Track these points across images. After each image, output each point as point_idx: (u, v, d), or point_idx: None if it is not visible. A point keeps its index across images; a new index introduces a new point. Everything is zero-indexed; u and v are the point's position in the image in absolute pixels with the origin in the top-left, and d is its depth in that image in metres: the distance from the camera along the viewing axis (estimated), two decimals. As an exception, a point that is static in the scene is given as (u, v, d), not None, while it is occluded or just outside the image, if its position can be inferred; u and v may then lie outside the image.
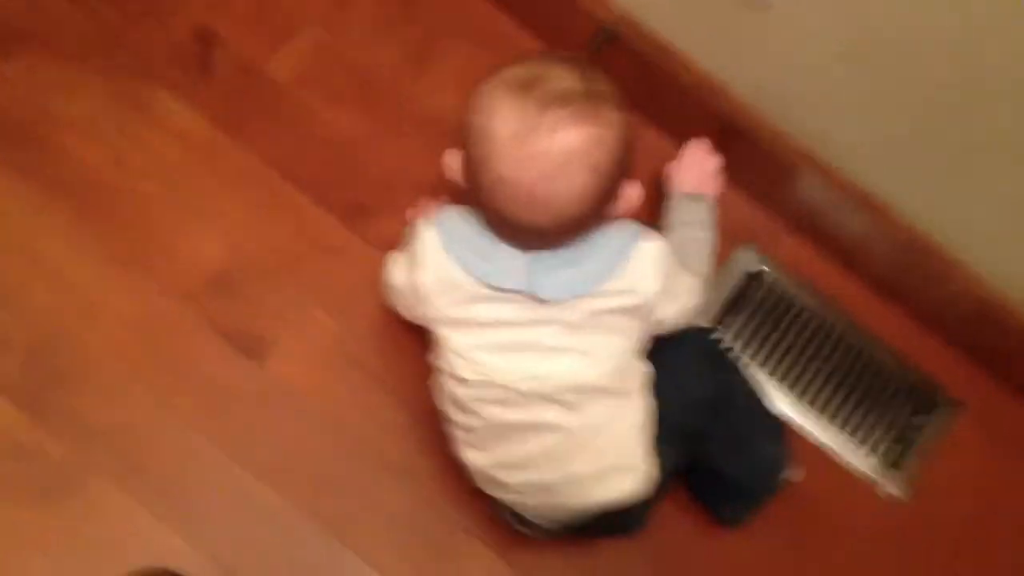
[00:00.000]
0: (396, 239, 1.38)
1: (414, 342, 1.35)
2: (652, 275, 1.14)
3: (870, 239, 1.47)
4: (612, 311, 1.14)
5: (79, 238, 1.41)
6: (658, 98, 1.47)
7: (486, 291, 1.13)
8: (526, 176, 1.03)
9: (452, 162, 1.12)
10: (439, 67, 1.54)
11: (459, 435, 1.24)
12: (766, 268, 1.54)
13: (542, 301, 1.12)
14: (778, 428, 1.38)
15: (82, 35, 1.48)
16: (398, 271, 1.24)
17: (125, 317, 1.39)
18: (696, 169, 1.43)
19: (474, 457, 1.23)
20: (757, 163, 1.47)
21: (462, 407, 1.20)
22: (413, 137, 1.50)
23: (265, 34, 1.52)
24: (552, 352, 1.15)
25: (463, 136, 1.08)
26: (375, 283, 1.38)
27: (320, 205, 1.46)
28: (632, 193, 1.11)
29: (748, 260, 1.54)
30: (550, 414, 1.16)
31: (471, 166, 1.08)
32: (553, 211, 1.05)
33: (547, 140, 1.02)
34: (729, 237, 1.49)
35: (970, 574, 1.45)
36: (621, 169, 1.07)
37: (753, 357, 1.51)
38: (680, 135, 1.49)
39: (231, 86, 1.49)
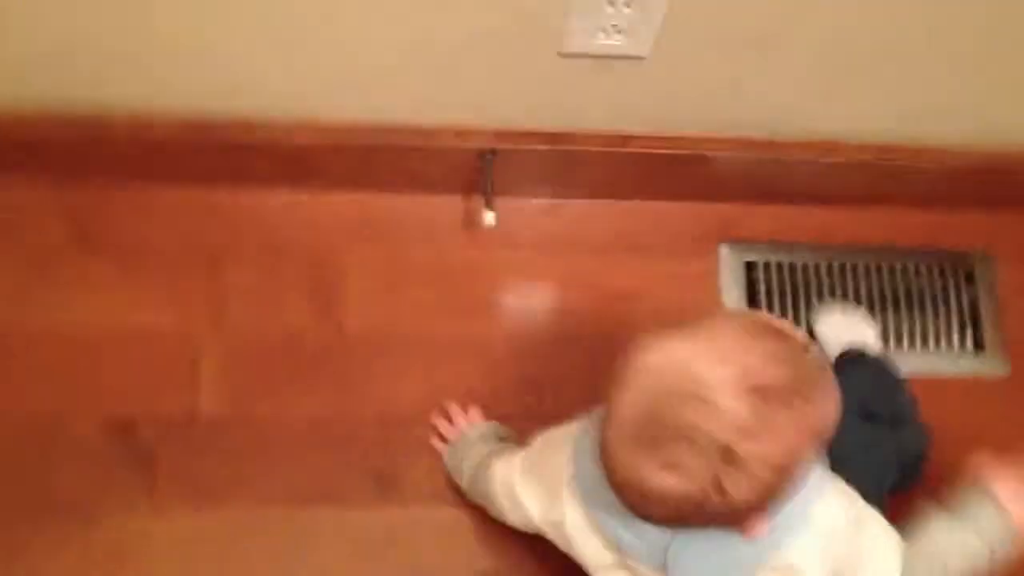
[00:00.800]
0: (437, 486, 1.32)
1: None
2: (818, 560, 0.97)
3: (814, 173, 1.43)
4: None
5: None
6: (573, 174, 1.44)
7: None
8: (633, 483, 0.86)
9: None
10: (342, 289, 1.42)
11: None
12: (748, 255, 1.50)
13: None
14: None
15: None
16: (531, 499, 1.11)
17: None
18: None
19: None
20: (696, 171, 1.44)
21: None
22: (369, 379, 1.39)
23: (173, 389, 1.36)
24: None
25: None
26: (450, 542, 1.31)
27: (348, 511, 1.33)
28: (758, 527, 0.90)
29: (732, 256, 1.49)
30: None
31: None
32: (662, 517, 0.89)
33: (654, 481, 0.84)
34: (704, 245, 1.47)
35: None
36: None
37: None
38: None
39: (175, 464, 1.33)
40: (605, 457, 0.87)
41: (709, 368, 0.80)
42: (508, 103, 1.31)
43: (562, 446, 1.05)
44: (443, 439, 1.35)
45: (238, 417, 1.35)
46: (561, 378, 1.39)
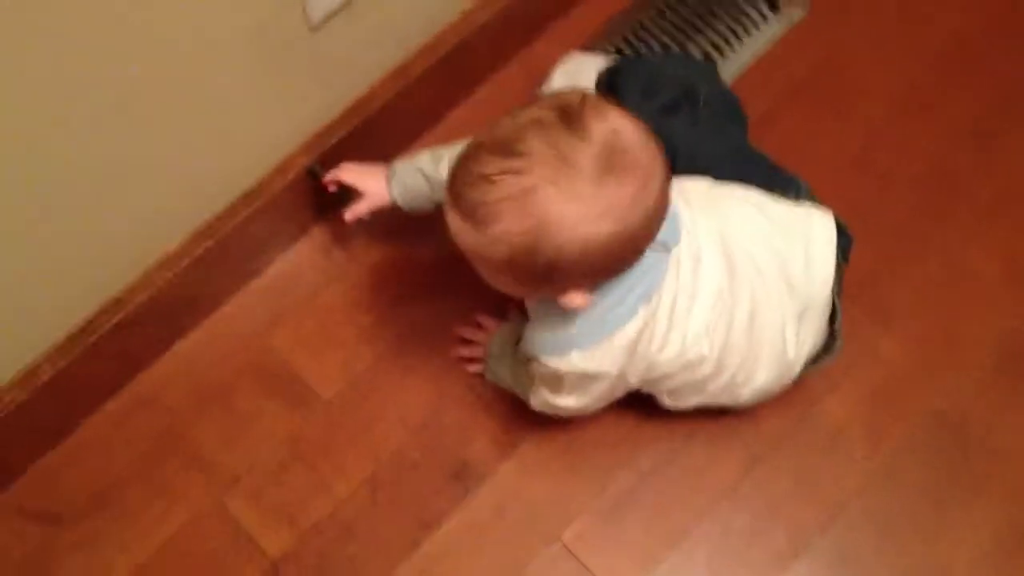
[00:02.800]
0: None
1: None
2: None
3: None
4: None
5: None
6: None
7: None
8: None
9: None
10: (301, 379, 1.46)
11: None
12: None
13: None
14: None
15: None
16: (577, 400, 1.19)
17: None
18: None
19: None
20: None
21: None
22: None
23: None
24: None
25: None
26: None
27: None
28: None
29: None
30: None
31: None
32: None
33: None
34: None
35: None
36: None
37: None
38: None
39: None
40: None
41: None
42: (297, 110, 1.32)
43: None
44: (475, 361, 1.41)
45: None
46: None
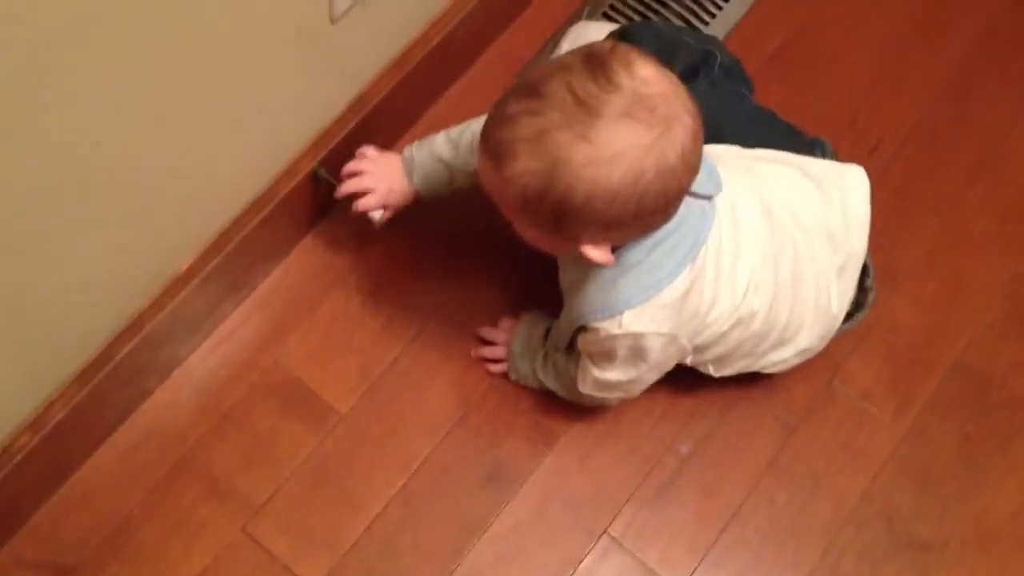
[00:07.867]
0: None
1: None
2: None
3: None
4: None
5: None
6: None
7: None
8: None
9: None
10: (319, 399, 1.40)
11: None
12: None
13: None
14: None
15: None
16: (628, 373, 1.18)
17: None
18: None
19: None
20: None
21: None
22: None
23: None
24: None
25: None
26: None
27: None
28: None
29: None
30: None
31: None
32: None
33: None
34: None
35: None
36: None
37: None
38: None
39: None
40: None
41: None
42: (309, 107, 1.27)
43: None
44: (497, 361, 1.37)
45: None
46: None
